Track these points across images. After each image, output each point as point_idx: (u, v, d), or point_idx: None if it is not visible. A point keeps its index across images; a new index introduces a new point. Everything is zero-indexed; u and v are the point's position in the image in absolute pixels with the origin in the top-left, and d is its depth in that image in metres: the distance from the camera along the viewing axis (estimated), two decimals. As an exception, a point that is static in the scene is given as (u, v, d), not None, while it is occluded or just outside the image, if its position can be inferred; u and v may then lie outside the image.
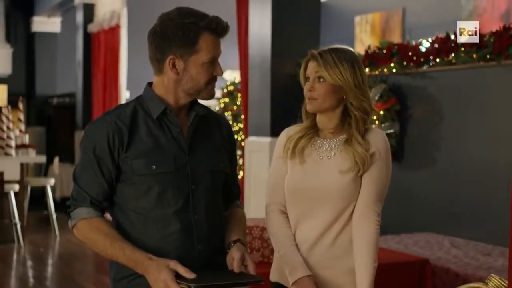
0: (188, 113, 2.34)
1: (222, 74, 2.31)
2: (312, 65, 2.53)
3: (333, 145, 2.54)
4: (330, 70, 2.48)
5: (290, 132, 2.61)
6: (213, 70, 2.28)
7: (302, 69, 2.58)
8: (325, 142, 2.55)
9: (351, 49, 2.60)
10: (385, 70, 5.66)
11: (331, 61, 2.48)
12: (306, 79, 2.55)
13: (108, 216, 2.35)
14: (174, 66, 2.26)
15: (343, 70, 2.48)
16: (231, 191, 2.52)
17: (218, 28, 2.26)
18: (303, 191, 2.53)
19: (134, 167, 2.23)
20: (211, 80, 2.29)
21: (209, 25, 2.25)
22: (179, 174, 2.26)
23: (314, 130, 2.58)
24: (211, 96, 2.33)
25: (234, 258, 2.25)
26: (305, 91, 2.54)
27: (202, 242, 2.26)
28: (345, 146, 2.50)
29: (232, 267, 2.25)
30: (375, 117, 5.22)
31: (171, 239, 2.22)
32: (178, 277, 2.09)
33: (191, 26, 2.23)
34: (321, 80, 2.50)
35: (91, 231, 2.24)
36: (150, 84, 2.36)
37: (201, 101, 2.42)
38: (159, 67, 2.30)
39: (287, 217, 2.57)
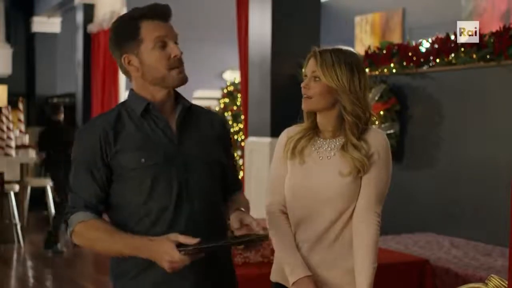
0: (175, 108, 2.35)
1: (180, 53, 2.28)
2: (311, 63, 2.53)
3: (333, 146, 2.53)
4: (326, 71, 2.47)
5: (290, 132, 2.61)
6: (167, 53, 2.27)
7: (304, 65, 2.58)
8: (324, 143, 2.55)
9: (355, 52, 2.58)
10: (385, 70, 5.66)
11: (329, 62, 2.47)
12: (306, 76, 2.55)
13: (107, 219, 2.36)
14: (130, 63, 2.30)
15: (340, 72, 2.46)
16: (230, 184, 2.50)
17: (155, 12, 2.27)
18: (303, 192, 2.52)
19: (123, 163, 2.25)
20: (172, 64, 2.27)
21: (144, 13, 2.27)
22: (170, 166, 2.26)
23: (314, 131, 2.58)
24: (180, 81, 2.30)
25: (241, 217, 2.28)
26: (301, 86, 2.54)
27: (199, 233, 2.26)
28: (342, 152, 2.49)
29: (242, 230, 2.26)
30: (374, 118, 5.22)
31: (166, 231, 2.22)
32: (181, 246, 2.10)
33: (129, 21, 2.28)
34: (317, 79, 2.49)
35: (89, 232, 2.25)
36: (132, 90, 2.40)
37: (204, 101, 2.42)
38: (125, 72, 2.35)
39: (288, 217, 2.57)
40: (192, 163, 2.30)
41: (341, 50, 2.52)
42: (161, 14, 2.28)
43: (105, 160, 2.26)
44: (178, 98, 2.37)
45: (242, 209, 2.38)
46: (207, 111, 2.50)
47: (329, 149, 2.53)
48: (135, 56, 2.27)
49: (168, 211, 2.25)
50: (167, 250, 2.09)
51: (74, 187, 2.29)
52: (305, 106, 2.54)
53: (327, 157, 2.52)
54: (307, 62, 2.55)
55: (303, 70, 2.59)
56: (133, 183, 2.25)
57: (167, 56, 2.26)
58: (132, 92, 2.37)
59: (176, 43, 2.30)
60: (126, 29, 2.28)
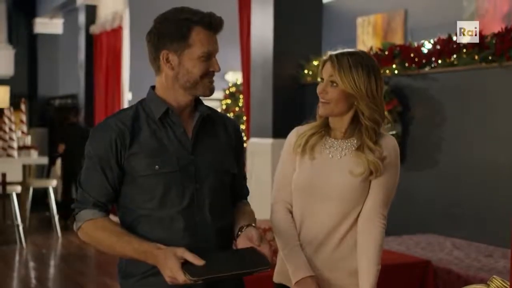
0: (193, 114, 2.34)
1: (219, 69, 2.30)
2: (327, 67, 2.51)
3: (344, 146, 2.53)
4: (343, 76, 2.45)
5: (300, 130, 2.61)
6: (209, 65, 2.27)
7: (319, 68, 2.57)
8: (336, 143, 2.55)
9: (371, 55, 2.58)
10: (387, 71, 5.66)
11: (346, 66, 2.45)
12: (322, 79, 2.54)
13: (115, 219, 2.36)
14: (168, 61, 2.27)
15: (357, 77, 2.44)
16: (238, 192, 2.50)
17: (211, 22, 2.26)
18: (310, 189, 2.52)
19: (137, 168, 2.24)
20: (207, 74, 2.28)
21: (202, 19, 2.25)
22: (183, 174, 2.26)
23: (325, 129, 2.57)
24: (210, 91, 2.30)
25: (253, 235, 2.24)
26: (318, 92, 2.53)
27: (206, 242, 2.26)
28: (358, 153, 2.49)
29: (250, 244, 2.23)
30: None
31: (175, 238, 2.22)
32: (187, 263, 2.08)
33: (183, 21, 2.25)
34: (334, 84, 2.48)
35: (96, 231, 2.25)
36: (153, 87, 2.38)
37: (206, 102, 2.42)
38: (157, 66, 2.31)
39: (292, 216, 2.57)
40: (205, 172, 2.30)
41: (357, 53, 2.51)
42: (215, 26, 2.28)
43: (119, 162, 2.26)
44: (197, 104, 2.36)
45: (253, 224, 2.34)
46: (223, 118, 2.49)
47: (341, 149, 2.53)
48: (176, 56, 2.26)
49: (179, 219, 2.24)
50: (171, 267, 2.08)
51: (85, 184, 2.29)
52: (323, 111, 2.53)
53: (338, 156, 2.52)
54: (322, 65, 2.53)
55: (319, 70, 2.57)
56: (145, 189, 2.25)
57: (207, 68, 2.27)
58: (152, 92, 2.35)
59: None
60: (176, 28, 2.25)
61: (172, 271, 2.07)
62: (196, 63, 2.25)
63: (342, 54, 2.49)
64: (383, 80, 2.54)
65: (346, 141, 2.54)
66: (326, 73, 2.51)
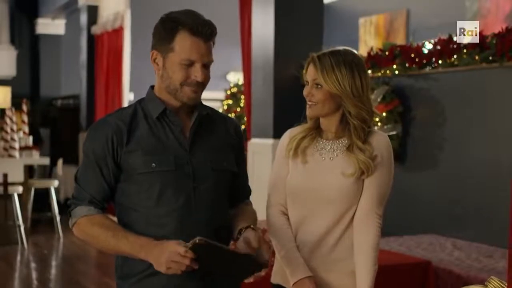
0: (191, 113, 2.34)
1: (202, 79, 2.24)
2: (310, 69, 2.51)
3: (335, 147, 2.53)
4: (326, 77, 2.44)
5: (292, 133, 2.61)
6: (190, 73, 2.23)
7: (304, 70, 2.57)
8: (327, 144, 2.54)
9: (354, 52, 2.56)
10: (388, 71, 5.66)
11: (329, 67, 2.45)
12: (307, 82, 2.54)
13: (114, 219, 2.36)
14: (155, 61, 2.28)
15: (341, 76, 2.44)
16: (240, 191, 2.49)
17: (198, 29, 2.21)
18: (304, 192, 2.52)
19: (134, 165, 2.24)
20: (188, 83, 2.24)
21: (189, 25, 2.21)
22: (180, 173, 2.26)
23: (317, 131, 2.57)
24: (189, 99, 2.27)
25: (250, 238, 2.21)
26: (304, 95, 2.53)
27: None
28: (348, 153, 2.49)
29: (247, 249, 2.20)
30: (377, 119, 5.21)
31: (171, 237, 2.22)
32: None
33: (171, 24, 2.23)
34: (319, 86, 2.48)
35: (92, 227, 2.25)
36: (152, 87, 2.38)
37: (207, 102, 2.41)
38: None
39: (288, 218, 2.57)
40: (202, 172, 2.29)
41: (339, 51, 2.50)
42: (205, 33, 2.22)
43: (116, 159, 2.26)
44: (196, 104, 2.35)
45: (253, 226, 2.31)
46: (223, 118, 2.48)
47: (332, 150, 2.53)
48: (162, 58, 2.26)
49: (175, 218, 2.24)
50: (172, 246, 2.08)
51: (81, 180, 2.30)
52: (310, 112, 2.53)
53: (330, 158, 2.52)
54: (307, 68, 2.53)
55: (304, 73, 2.57)
56: (142, 187, 2.25)
57: (187, 75, 2.23)
58: (151, 92, 2.35)
59: (205, 65, 2.24)
60: (163, 30, 2.24)
61: (171, 247, 2.07)
62: (176, 69, 2.23)
63: (324, 54, 2.49)
64: (368, 76, 2.53)
65: (337, 142, 2.53)
66: (310, 75, 2.50)
